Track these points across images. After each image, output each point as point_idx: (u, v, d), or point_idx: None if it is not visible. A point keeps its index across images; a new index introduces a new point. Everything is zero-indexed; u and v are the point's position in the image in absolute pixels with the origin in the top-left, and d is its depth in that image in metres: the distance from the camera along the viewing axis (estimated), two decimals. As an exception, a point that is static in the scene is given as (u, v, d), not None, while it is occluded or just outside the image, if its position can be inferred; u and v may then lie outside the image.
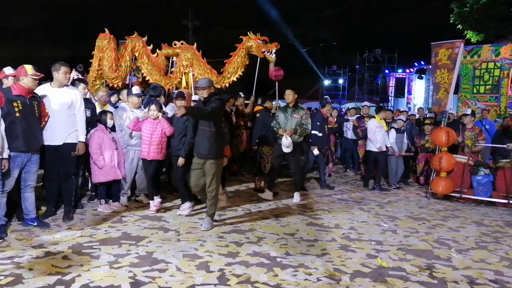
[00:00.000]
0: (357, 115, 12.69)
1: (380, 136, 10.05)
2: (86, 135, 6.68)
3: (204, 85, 6.32)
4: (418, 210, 8.24)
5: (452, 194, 9.23)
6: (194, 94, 8.67)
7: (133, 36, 10.70)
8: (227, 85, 10.28)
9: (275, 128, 8.50)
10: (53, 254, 5.04)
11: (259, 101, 11.01)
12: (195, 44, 10.55)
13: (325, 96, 10.54)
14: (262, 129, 9.27)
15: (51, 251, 5.15)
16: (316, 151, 9.47)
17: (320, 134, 9.59)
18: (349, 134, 12.66)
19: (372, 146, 10.13)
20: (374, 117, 10.57)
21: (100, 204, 7.17)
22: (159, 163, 7.36)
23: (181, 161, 6.92)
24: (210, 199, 6.37)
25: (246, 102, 11.24)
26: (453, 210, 8.43)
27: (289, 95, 8.51)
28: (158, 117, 7.10)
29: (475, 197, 9.05)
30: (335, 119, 12.64)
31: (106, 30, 10.68)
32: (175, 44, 10.93)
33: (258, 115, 9.66)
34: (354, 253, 5.56)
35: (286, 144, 8.15)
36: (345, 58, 31.36)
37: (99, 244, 5.46)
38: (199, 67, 10.29)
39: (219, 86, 10.08)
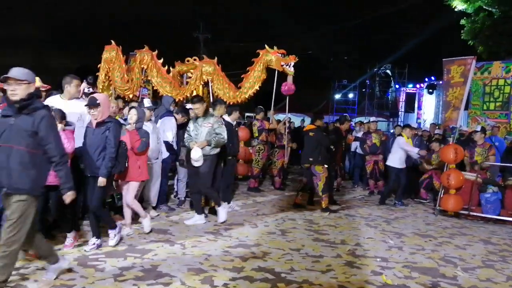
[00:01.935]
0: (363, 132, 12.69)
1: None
2: None
3: (21, 77, 4.10)
4: (425, 227, 8.19)
5: (460, 212, 9.17)
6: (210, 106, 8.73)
7: (143, 49, 10.90)
8: (243, 99, 10.37)
9: (186, 143, 7.60)
10: (59, 266, 5.09)
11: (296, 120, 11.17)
12: (216, 58, 10.66)
13: (344, 114, 10.58)
14: (316, 148, 9.12)
15: (57, 262, 5.19)
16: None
17: (333, 149, 9.66)
18: (359, 149, 12.66)
19: (394, 162, 10.12)
20: (401, 135, 10.54)
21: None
22: None
23: (102, 181, 5.60)
24: (3, 258, 4.04)
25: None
26: (461, 227, 8.37)
27: (198, 108, 7.58)
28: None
29: (483, 215, 8.99)
30: (353, 137, 12.68)
31: (113, 42, 10.90)
32: (188, 61, 11.11)
33: (311, 134, 9.28)
34: (359, 270, 5.55)
35: (195, 157, 7.27)
36: (355, 72, 31.19)
37: (104, 257, 5.50)
38: (218, 82, 10.44)
39: (236, 101, 10.22)
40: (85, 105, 5.81)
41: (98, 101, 5.61)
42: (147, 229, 6.66)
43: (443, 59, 10.70)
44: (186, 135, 7.65)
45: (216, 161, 7.68)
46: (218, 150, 7.56)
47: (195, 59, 11.23)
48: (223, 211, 7.58)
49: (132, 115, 6.58)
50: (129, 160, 6.25)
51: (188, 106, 9.29)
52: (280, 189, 11.44)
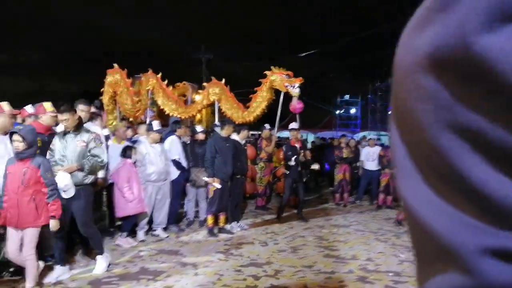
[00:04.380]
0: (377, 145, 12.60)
1: None
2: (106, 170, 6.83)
3: None
4: (435, 240, 8.14)
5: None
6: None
7: (148, 73, 11.24)
8: (251, 119, 10.55)
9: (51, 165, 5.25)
10: (72, 290, 5.11)
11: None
12: (223, 80, 10.93)
13: (290, 124, 10.40)
14: None
15: (69, 287, 5.20)
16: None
17: (294, 163, 9.62)
18: (368, 165, 12.43)
19: None
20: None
21: (120, 237, 7.20)
22: None
23: None
24: None
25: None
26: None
27: (67, 119, 5.49)
28: None
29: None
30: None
31: (115, 65, 11.22)
32: (178, 85, 12.21)
33: None
34: (372, 285, 5.53)
35: (61, 185, 5.31)
36: (357, 87, 31.40)
37: (118, 280, 5.51)
38: (226, 102, 10.69)
39: (244, 120, 10.38)
40: None
41: None
42: None
43: None
44: (48, 155, 5.64)
45: (93, 192, 6.00)
46: (93, 178, 5.78)
47: (184, 84, 12.80)
48: (102, 260, 5.87)
49: (17, 144, 4.73)
50: (18, 200, 4.74)
51: (199, 128, 9.30)
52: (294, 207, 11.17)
